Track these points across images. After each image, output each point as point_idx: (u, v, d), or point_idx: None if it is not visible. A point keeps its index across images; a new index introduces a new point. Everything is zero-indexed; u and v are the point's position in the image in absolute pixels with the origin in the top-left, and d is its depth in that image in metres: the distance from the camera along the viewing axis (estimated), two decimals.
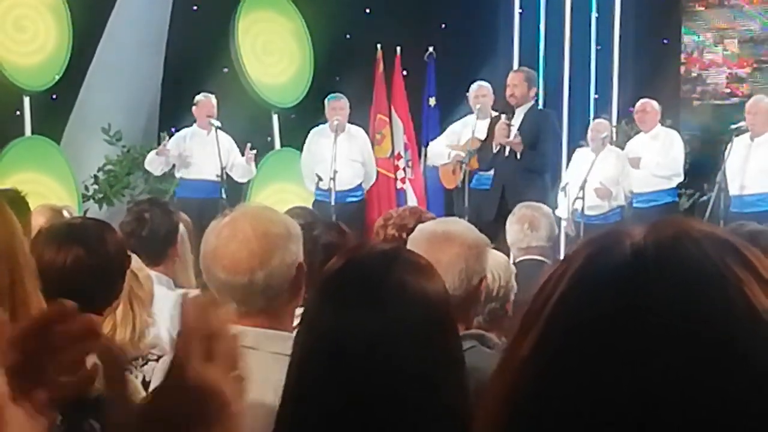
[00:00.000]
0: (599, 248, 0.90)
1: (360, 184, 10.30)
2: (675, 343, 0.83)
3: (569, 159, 10.52)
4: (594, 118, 10.66)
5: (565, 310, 0.88)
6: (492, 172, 9.20)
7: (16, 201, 4.17)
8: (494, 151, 8.97)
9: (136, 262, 3.14)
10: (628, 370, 0.83)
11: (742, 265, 0.87)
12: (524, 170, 8.79)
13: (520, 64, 12.24)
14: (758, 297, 0.85)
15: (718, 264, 0.87)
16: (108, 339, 1.00)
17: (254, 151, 10.09)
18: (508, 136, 8.88)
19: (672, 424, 0.82)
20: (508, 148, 8.93)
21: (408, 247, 2.66)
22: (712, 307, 0.84)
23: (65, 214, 4.91)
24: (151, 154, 10.02)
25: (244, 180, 10.27)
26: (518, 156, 8.85)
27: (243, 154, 10.02)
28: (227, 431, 1.02)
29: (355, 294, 1.91)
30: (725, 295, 0.85)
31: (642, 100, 10.04)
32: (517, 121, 9.02)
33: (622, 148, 10.02)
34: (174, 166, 10.02)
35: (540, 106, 9.96)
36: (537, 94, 9.41)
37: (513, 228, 5.63)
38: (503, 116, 8.96)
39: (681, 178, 9.85)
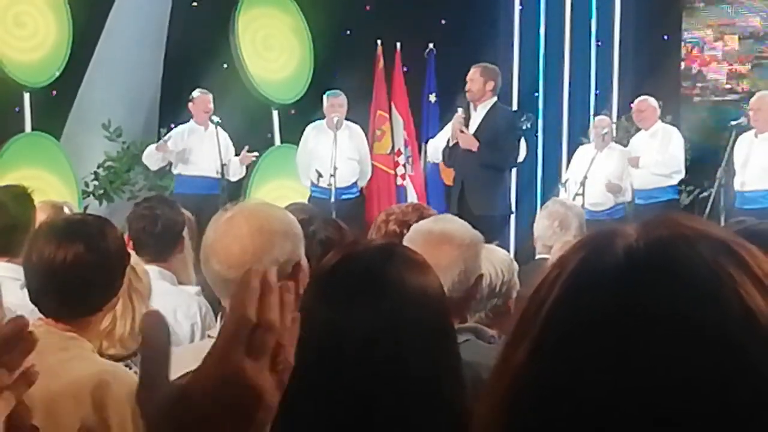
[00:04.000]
0: (592, 251, 0.90)
1: (355, 182, 10.27)
2: (669, 346, 0.83)
3: (569, 155, 10.52)
4: (594, 115, 10.66)
5: (560, 314, 0.88)
6: None
7: (22, 197, 4.16)
8: (451, 145, 8.70)
9: (132, 256, 3.13)
10: (623, 373, 0.83)
11: (737, 266, 0.86)
12: (482, 166, 8.50)
13: (520, 60, 12.26)
14: (753, 298, 0.84)
15: (711, 265, 0.86)
16: (159, 315, 0.94)
17: (254, 153, 10.06)
18: (463, 131, 8.62)
19: (668, 426, 0.82)
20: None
21: None
22: (705, 309, 0.84)
23: (66, 210, 4.90)
24: (150, 148, 9.96)
25: (235, 179, 10.21)
26: (475, 150, 8.54)
27: (239, 154, 9.99)
28: (258, 428, 0.99)
29: (352, 289, 1.90)
30: (719, 296, 0.84)
31: (639, 98, 10.00)
32: (479, 117, 8.76)
33: (623, 145, 10.01)
34: (171, 162, 9.99)
35: (507, 104, 9.67)
36: (497, 89, 8.88)
37: (542, 222, 5.43)
38: (459, 109, 8.72)
39: (682, 175, 9.79)
